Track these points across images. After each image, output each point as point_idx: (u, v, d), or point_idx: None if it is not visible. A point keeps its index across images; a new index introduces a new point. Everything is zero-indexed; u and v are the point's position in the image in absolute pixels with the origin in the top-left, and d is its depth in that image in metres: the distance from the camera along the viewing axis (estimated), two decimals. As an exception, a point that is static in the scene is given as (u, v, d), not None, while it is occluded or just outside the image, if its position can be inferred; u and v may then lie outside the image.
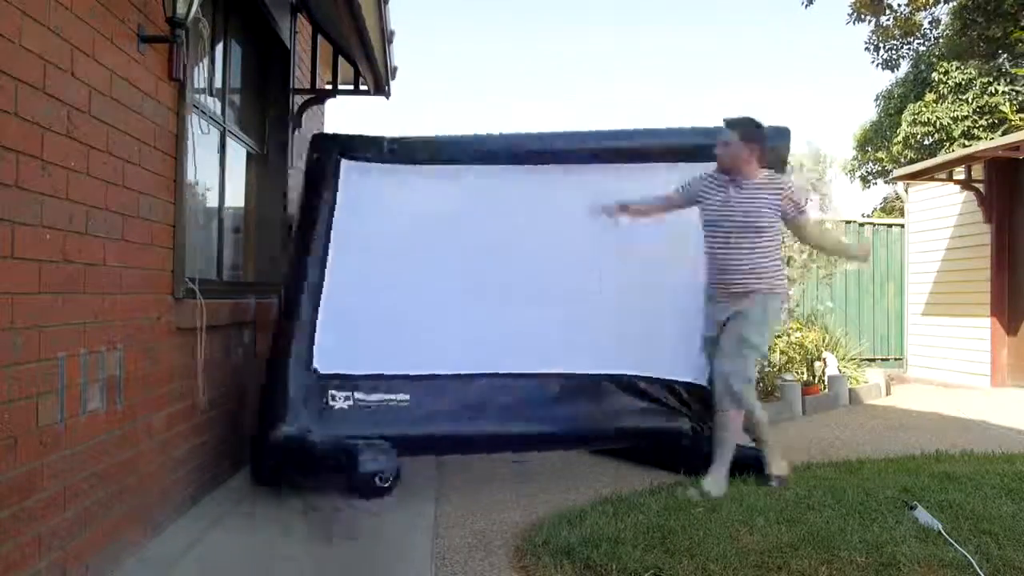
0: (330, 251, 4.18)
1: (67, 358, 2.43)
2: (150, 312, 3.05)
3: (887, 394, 8.38)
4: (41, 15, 2.26)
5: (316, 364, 3.95)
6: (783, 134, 4.58)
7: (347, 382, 4.00)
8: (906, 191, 10.51)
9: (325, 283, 4.11)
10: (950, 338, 9.53)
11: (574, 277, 4.47)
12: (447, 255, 4.39)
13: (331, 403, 3.92)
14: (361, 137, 4.58)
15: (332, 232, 4.22)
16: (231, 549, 3.08)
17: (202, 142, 3.74)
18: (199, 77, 3.64)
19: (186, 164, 3.36)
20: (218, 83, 4.28)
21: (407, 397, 4.07)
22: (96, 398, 2.62)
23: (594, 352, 4.43)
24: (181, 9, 2.94)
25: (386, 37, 6.98)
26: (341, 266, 4.17)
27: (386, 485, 3.09)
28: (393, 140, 4.50)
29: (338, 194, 4.31)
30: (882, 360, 10.71)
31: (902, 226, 10.82)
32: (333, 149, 4.45)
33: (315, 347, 3.97)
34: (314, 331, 4.00)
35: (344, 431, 3.76)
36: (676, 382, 4.61)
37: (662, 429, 4.58)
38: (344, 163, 4.37)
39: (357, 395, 3.99)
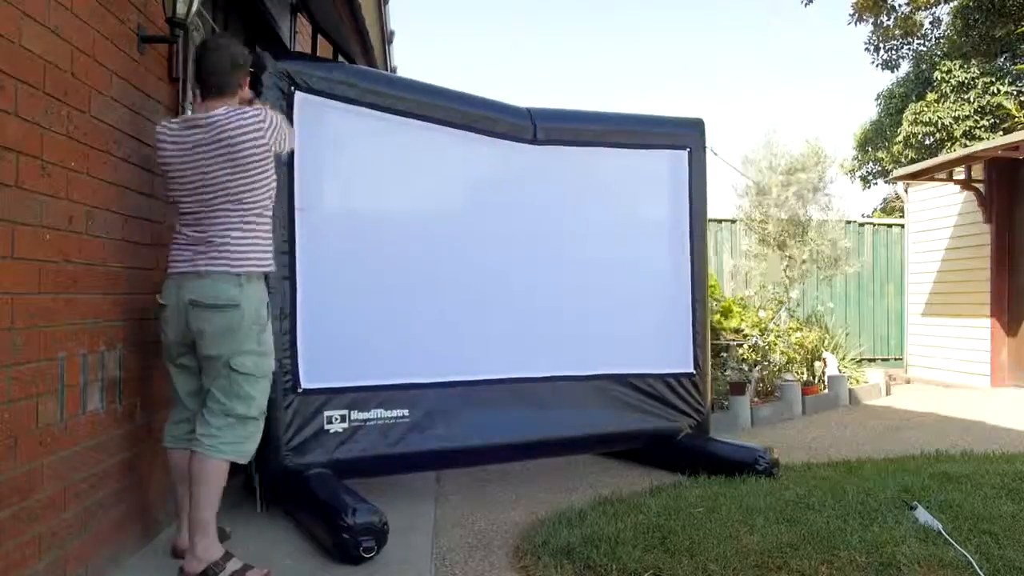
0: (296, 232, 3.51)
1: (67, 358, 2.43)
2: (150, 312, 3.04)
3: (887, 394, 8.38)
4: (41, 15, 2.26)
5: (301, 379, 3.52)
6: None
7: (338, 397, 3.62)
8: (906, 191, 10.50)
9: (297, 277, 3.51)
10: (950, 338, 9.53)
11: (564, 267, 4.33)
12: (450, 240, 4.00)
13: (325, 426, 3.57)
14: (330, 63, 3.96)
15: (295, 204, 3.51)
16: (230, 549, 3.07)
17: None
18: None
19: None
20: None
21: (406, 412, 3.78)
22: (96, 398, 2.62)
23: (586, 351, 4.36)
24: (181, 9, 2.94)
25: (386, 37, 7.00)
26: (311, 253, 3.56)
27: (369, 556, 2.89)
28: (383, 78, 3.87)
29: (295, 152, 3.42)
30: (882, 360, 10.70)
31: (902, 226, 10.81)
32: (281, 76, 3.46)
33: (298, 358, 3.51)
34: (295, 339, 3.50)
35: (339, 454, 3.57)
36: (669, 374, 4.59)
37: (665, 426, 4.57)
38: (300, 98, 3.52)
39: (353, 413, 3.66)
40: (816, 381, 7.86)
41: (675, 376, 4.60)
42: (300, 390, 3.52)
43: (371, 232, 3.84)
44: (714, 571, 2.74)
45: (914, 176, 9.56)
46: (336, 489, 3.27)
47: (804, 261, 8.03)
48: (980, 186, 8.97)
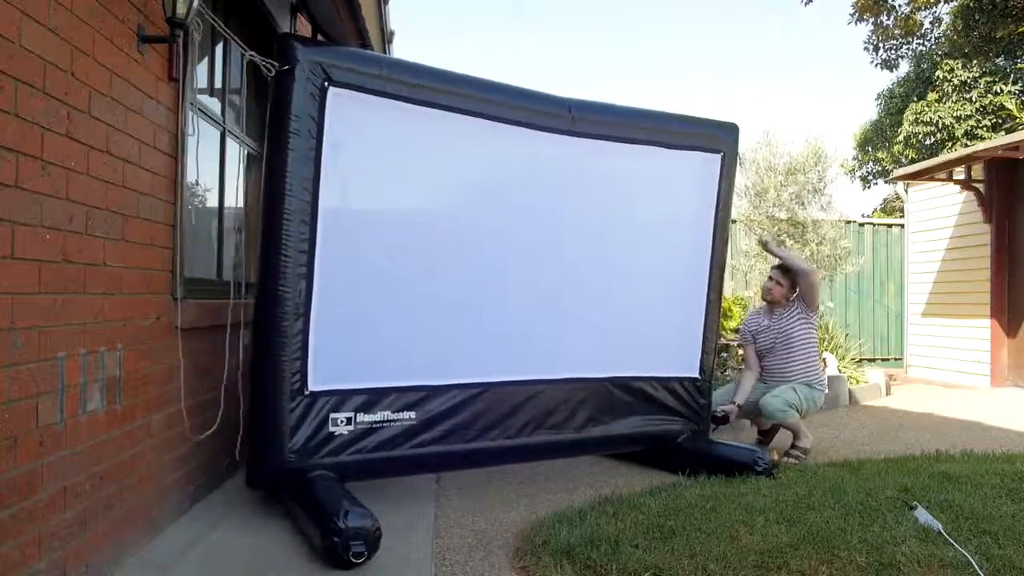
0: (318, 228, 3.41)
1: (67, 358, 2.43)
2: (150, 312, 3.05)
3: (887, 394, 8.37)
4: (41, 15, 2.26)
5: (309, 381, 3.45)
6: (731, 129, 4.65)
7: (345, 400, 3.56)
8: (906, 191, 10.51)
9: (315, 277, 3.42)
10: (950, 338, 9.53)
11: (585, 269, 4.23)
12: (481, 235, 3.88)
13: (330, 428, 3.50)
14: (362, 53, 3.71)
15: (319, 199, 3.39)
16: (230, 549, 3.08)
17: (202, 142, 3.74)
18: (199, 77, 3.63)
19: (186, 164, 3.36)
20: (218, 83, 4.28)
21: (413, 414, 3.72)
22: (96, 398, 2.62)
23: (599, 354, 4.32)
24: (181, 9, 2.93)
25: (386, 37, 7.00)
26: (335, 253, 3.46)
27: (359, 561, 2.84)
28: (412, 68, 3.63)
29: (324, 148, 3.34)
30: (882, 360, 10.71)
31: (902, 226, 10.81)
32: (315, 68, 3.28)
33: (308, 360, 3.44)
34: (306, 340, 3.42)
35: (344, 457, 3.53)
36: (674, 379, 4.58)
37: (667, 430, 4.57)
38: (333, 94, 3.35)
39: (359, 415, 3.58)
40: (816, 381, 7.84)
41: (680, 380, 4.59)
42: (307, 392, 3.44)
43: (392, 231, 3.71)
44: (714, 571, 2.74)
45: (914, 176, 9.56)
46: (332, 491, 3.23)
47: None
48: (980, 186, 8.97)
